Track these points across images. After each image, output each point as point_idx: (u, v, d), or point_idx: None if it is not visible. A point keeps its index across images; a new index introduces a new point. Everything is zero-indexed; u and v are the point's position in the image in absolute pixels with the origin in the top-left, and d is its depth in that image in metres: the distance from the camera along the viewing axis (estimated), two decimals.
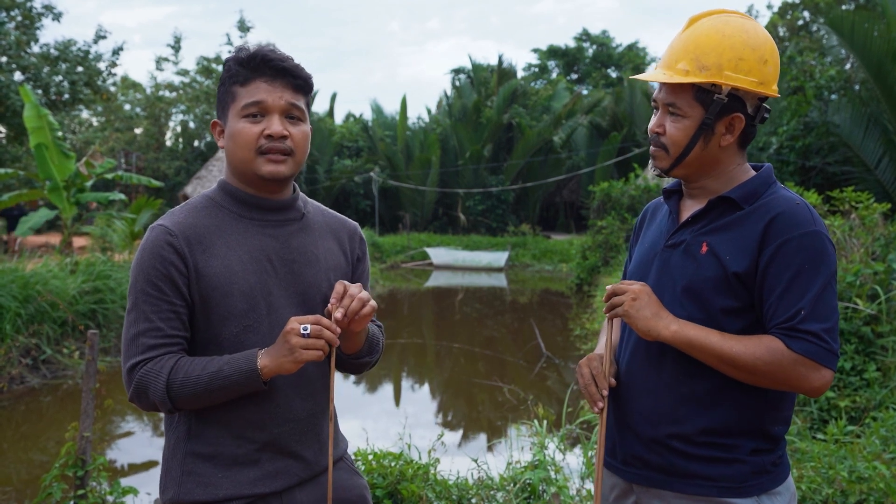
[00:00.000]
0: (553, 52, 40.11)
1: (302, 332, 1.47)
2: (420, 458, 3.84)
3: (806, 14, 22.34)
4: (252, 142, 1.57)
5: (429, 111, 33.96)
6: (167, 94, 27.76)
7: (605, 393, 1.63)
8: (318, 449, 1.66)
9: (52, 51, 18.23)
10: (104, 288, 9.53)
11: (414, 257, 22.97)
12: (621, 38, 66.91)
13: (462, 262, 22.16)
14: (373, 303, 1.56)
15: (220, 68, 24.28)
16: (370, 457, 3.53)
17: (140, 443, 6.60)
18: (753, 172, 1.64)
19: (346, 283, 1.57)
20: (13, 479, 5.56)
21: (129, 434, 6.87)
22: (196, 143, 28.01)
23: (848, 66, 17.22)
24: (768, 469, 1.58)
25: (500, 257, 22.26)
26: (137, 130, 27.84)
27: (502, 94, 27.79)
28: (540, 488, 3.46)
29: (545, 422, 4.00)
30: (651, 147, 1.66)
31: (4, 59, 17.03)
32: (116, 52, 19.42)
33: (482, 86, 30.03)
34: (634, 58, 37.62)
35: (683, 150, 1.60)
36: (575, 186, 30.03)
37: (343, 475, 1.73)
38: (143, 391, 1.52)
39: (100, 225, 13.58)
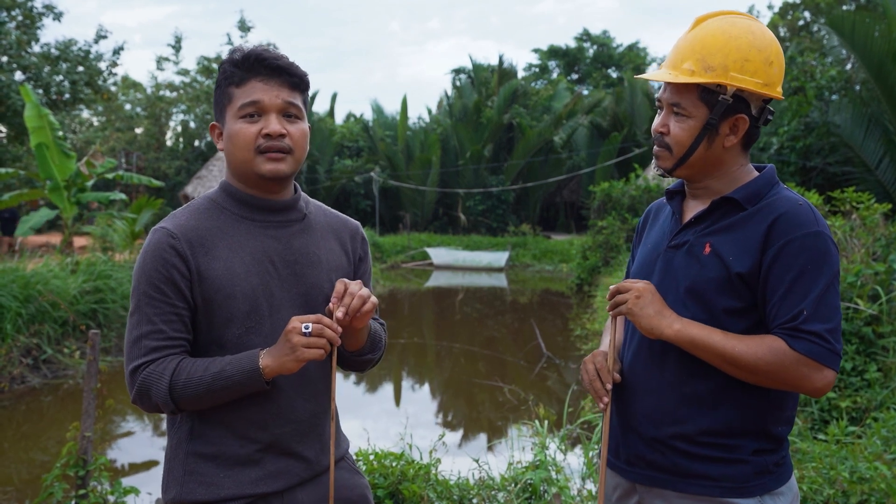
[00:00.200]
0: (553, 53, 40.13)
1: (303, 330, 1.48)
2: (421, 458, 3.84)
3: (807, 14, 22.35)
4: (250, 142, 1.57)
5: (429, 111, 34.00)
6: (168, 93, 27.77)
7: (610, 387, 1.64)
8: (319, 449, 1.66)
9: (53, 50, 18.24)
10: (105, 288, 9.54)
11: (414, 257, 22.97)
12: (622, 39, 67.02)
13: (462, 262, 22.16)
14: (374, 300, 1.56)
15: None
16: (371, 457, 3.53)
17: (141, 443, 6.61)
18: (756, 173, 1.64)
19: (346, 281, 1.57)
20: (14, 479, 5.56)
21: (129, 434, 6.88)
22: (196, 143, 28.01)
23: (849, 66, 17.22)
24: (771, 469, 1.57)
25: (500, 257, 22.26)
26: (138, 130, 27.85)
27: (503, 95, 27.80)
28: (541, 488, 3.46)
29: (546, 422, 4.00)
30: (654, 147, 1.65)
31: (5, 58, 17.04)
32: (117, 51, 19.44)
33: (483, 86, 30.03)
34: (635, 58, 37.64)
35: (687, 150, 1.60)
36: (575, 186, 30.05)
37: (344, 474, 1.73)
38: (146, 393, 1.52)
39: (100, 225, 13.59)
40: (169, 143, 28.87)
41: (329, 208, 1.82)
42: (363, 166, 29.01)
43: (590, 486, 3.68)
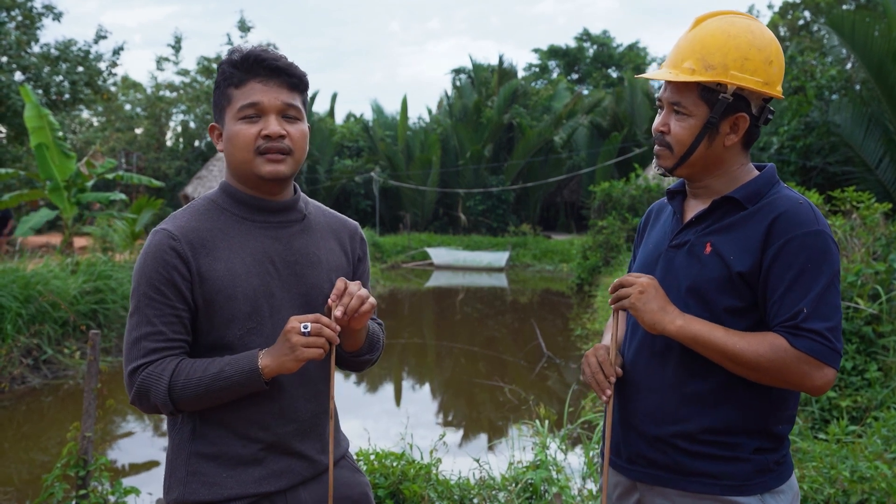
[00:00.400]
0: (554, 52, 40.13)
1: (302, 330, 1.48)
2: (422, 458, 3.84)
3: (807, 14, 22.35)
4: (250, 143, 1.57)
5: (429, 111, 33.97)
6: (168, 94, 27.76)
7: (613, 380, 1.64)
8: (320, 448, 1.67)
9: (53, 51, 18.24)
10: (105, 288, 9.54)
11: (414, 257, 22.97)
12: (622, 39, 66.99)
13: (463, 262, 22.16)
14: (372, 300, 1.56)
15: None
16: (372, 457, 3.53)
17: (141, 443, 6.61)
18: (757, 172, 1.65)
19: (345, 280, 1.58)
20: (14, 479, 5.56)
21: (130, 434, 6.88)
22: (196, 143, 28.00)
23: (849, 65, 17.22)
24: (772, 468, 1.58)
25: (500, 257, 22.26)
26: (138, 130, 27.84)
27: (503, 94, 27.79)
28: (542, 488, 3.46)
29: (546, 422, 4.00)
30: (655, 146, 1.66)
31: (5, 58, 17.04)
32: (117, 52, 19.44)
33: (483, 86, 30.03)
34: (635, 58, 37.64)
35: (688, 149, 1.60)
36: (575, 186, 30.04)
37: (345, 473, 1.74)
38: (145, 394, 1.52)
39: (100, 225, 13.60)
40: (169, 143, 28.86)
41: (328, 208, 1.82)
42: (363, 166, 29.01)
43: (590, 485, 3.68)
